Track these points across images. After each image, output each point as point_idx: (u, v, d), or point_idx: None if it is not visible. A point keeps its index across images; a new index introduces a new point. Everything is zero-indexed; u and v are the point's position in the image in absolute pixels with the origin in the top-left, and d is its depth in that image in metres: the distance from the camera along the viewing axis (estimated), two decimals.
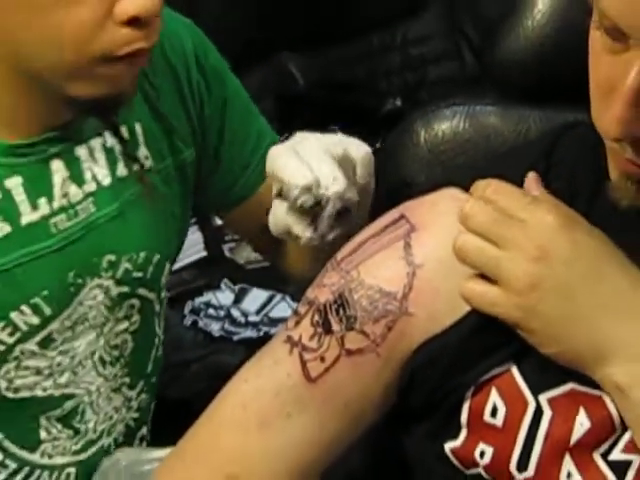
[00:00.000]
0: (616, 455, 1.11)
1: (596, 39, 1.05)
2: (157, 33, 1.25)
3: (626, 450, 1.11)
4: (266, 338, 1.26)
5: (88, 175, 1.34)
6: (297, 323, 1.18)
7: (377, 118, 2.36)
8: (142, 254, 1.40)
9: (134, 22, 1.21)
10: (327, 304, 1.16)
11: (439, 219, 1.17)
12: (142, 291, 1.42)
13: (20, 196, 1.29)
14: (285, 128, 2.32)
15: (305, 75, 2.43)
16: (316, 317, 1.17)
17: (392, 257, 1.16)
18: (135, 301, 1.41)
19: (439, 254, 1.15)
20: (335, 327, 1.16)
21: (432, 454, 1.17)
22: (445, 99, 1.70)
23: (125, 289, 1.40)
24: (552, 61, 1.58)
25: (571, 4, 1.59)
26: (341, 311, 1.15)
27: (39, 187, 1.30)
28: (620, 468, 1.11)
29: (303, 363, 1.16)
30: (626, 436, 1.11)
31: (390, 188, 1.23)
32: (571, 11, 1.58)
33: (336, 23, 2.47)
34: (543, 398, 1.12)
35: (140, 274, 1.40)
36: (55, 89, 1.25)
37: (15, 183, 1.29)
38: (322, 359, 1.16)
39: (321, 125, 2.36)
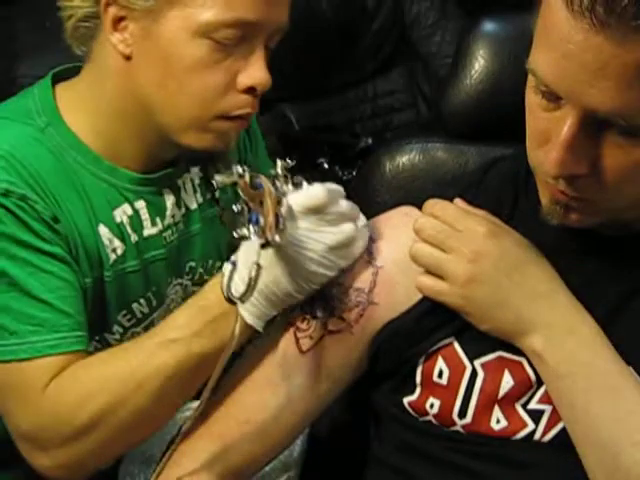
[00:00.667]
0: (533, 405, 1.12)
1: (532, 100, 1.03)
2: (258, 104, 1.24)
3: (541, 401, 1.11)
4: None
5: (182, 201, 1.33)
6: (292, 310, 1.18)
7: (353, 153, 2.36)
8: (210, 261, 1.39)
9: (250, 91, 1.21)
10: (314, 296, 1.16)
11: (391, 231, 1.18)
12: None
13: (145, 215, 1.29)
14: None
15: (299, 121, 2.42)
16: (306, 306, 1.17)
17: (359, 261, 1.17)
18: None
19: (394, 257, 1.16)
20: (319, 314, 1.16)
21: (394, 406, 1.17)
22: (404, 139, 1.69)
23: (197, 288, 1.35)
24: (485, 110, 1.56)
25: (501, 65, 1.57)
26: (324, 302, 1.16)
27: (157, 209, 1.30)
28: (536, 415, 1.11)
29: (297, 339, 1.16)
30: (540, 391, 1.11)
31: (364, 205, 1.23)
32: (501, 71, 1.56)
33: (323, 82, 2.47)
34: (477, 363, 1.12)
35: (208, 277, 1.38)
36: (171, 138, 1.24)
37: (141, 205, 1.29)
38: (311, 337, 1.16)
39: (312, 158, 2.38)
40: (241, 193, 1.06)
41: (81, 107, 1.26)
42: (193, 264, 1.37)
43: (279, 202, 1.07)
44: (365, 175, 1.64)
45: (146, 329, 1.33)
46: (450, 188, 1.23)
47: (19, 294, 1.17)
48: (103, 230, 1.26)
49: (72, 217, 1.22)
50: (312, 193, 1.10)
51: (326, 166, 2.35)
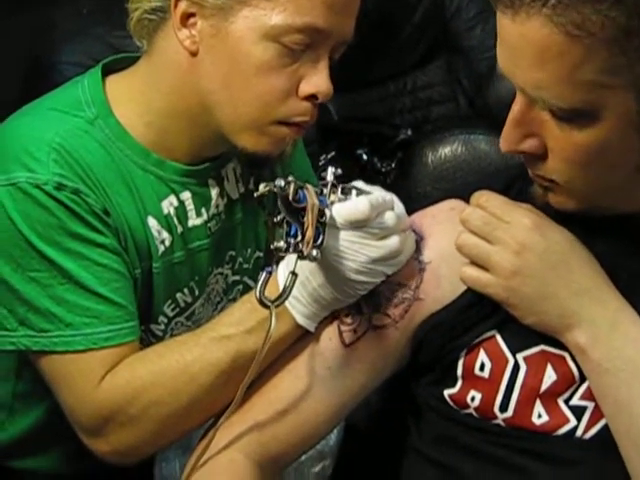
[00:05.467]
0: (575, 401, 1.10)
1: None
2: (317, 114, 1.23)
3: (583, 397, 1.09)
4: None
5: (225, 191, 1.32)
6: None
7: (393, 145, 2.34)
8: (249, 250, 1.38)
9: (311, 99, 1.20)
10: None
11: (438, 227, 1.17)
12: (247, 279, 1.39)
13: (190, 206, 1.28)
14: (323, 150, 2.32)
15: (339, 111, 2.41)
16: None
17: None
18: (241, 287, 1.39)
19: (441, 252, 1.15)
20: (365, 309, 1.15)
21: (435, 398, 1.16)
22: (447, 130, 1.68)
23: (237, 277, 1.38)
24: None
25: None
26: (369, 298, 1.15)
27: (202, 200, 1.29)
28: (578, 411, 1.09)
29: (340, 332, 1.15)
30: (583, 387, 1.09)
31: (405, 196, 1.21)
32: None
33: (363, 74, 2.46)
34: (520, 356, 1.11)
35: (247, 265, 1.38)
36: (226, 138, 1.22)
37: (187, 196, 1.27)
38: (355, 331, 1.15)
39: (351, 149, 2.36)
40: (280, 206, 1.06)
41: (133, 99, 1.24)
42: (233, 253, 1.36)
43: (322, 214, 1.07)
44: (407, 166, 1.64)
45: (188, 318, 1.33)
46: (495, 180, 1.21)
47: (74, 286, 1.17)
48: (152, 222, 1.25)
49: (122, 209, 1.22)
50: (356, 207, 1.09)
51: (365, 157, 2.33)
